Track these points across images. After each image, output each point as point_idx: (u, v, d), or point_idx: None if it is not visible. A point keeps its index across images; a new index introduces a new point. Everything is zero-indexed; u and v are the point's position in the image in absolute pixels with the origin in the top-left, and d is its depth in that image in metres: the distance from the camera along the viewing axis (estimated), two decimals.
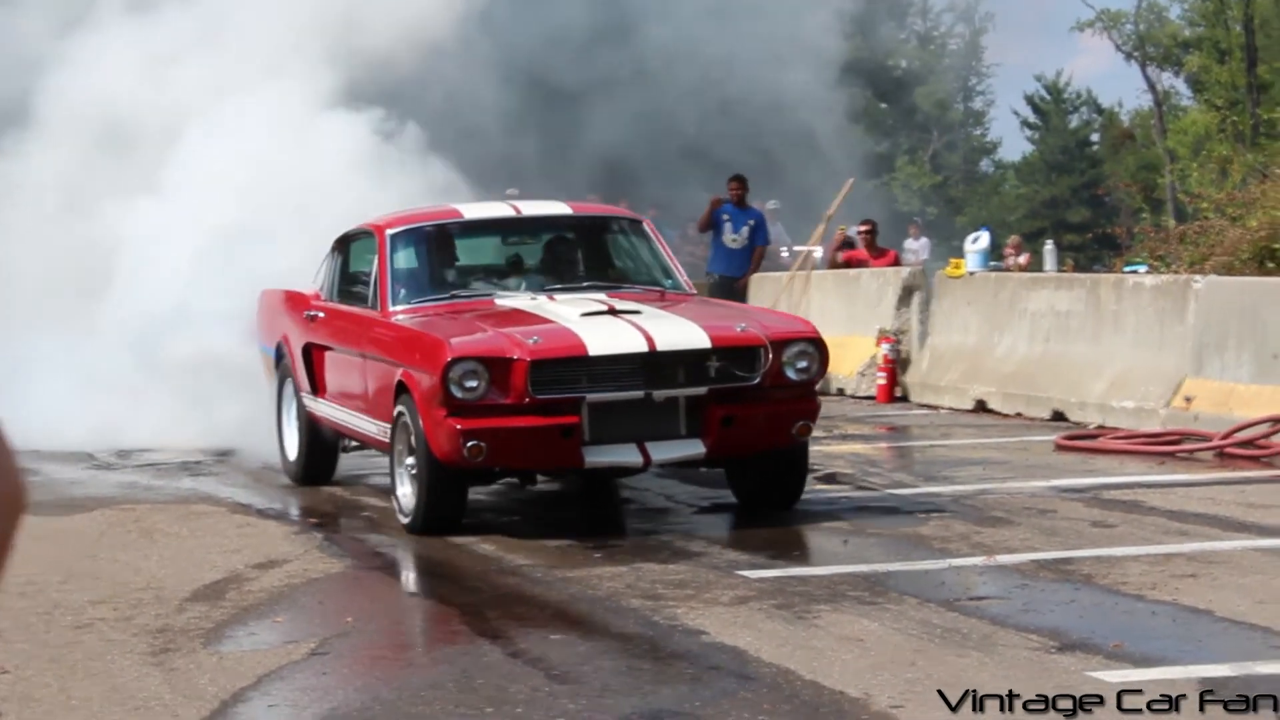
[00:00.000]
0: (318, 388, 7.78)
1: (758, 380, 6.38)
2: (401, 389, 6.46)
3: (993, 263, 16.79)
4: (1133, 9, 32.49)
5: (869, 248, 15.36)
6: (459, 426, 6.08)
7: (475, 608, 5.57)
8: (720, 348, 6.37)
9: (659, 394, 6.30)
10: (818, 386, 6.99)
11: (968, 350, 11.57)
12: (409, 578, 6.62)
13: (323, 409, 7.74)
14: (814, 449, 7.45)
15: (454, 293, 7.30)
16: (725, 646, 4.72)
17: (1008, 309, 11.24)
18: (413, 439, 6.36)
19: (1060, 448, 8.82)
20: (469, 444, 6.05)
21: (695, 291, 7.83)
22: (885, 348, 11.96)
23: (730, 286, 13.14)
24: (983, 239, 14.46)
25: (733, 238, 13.54)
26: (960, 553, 6.05)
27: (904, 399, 11.91)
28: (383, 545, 6.80)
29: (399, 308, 7.03)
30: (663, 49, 21.66)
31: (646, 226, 8.12)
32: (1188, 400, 8.92)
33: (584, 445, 6.25)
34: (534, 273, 7.66)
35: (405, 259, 7.37)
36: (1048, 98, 44.06)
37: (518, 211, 8.07)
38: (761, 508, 6.90)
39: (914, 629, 4.84)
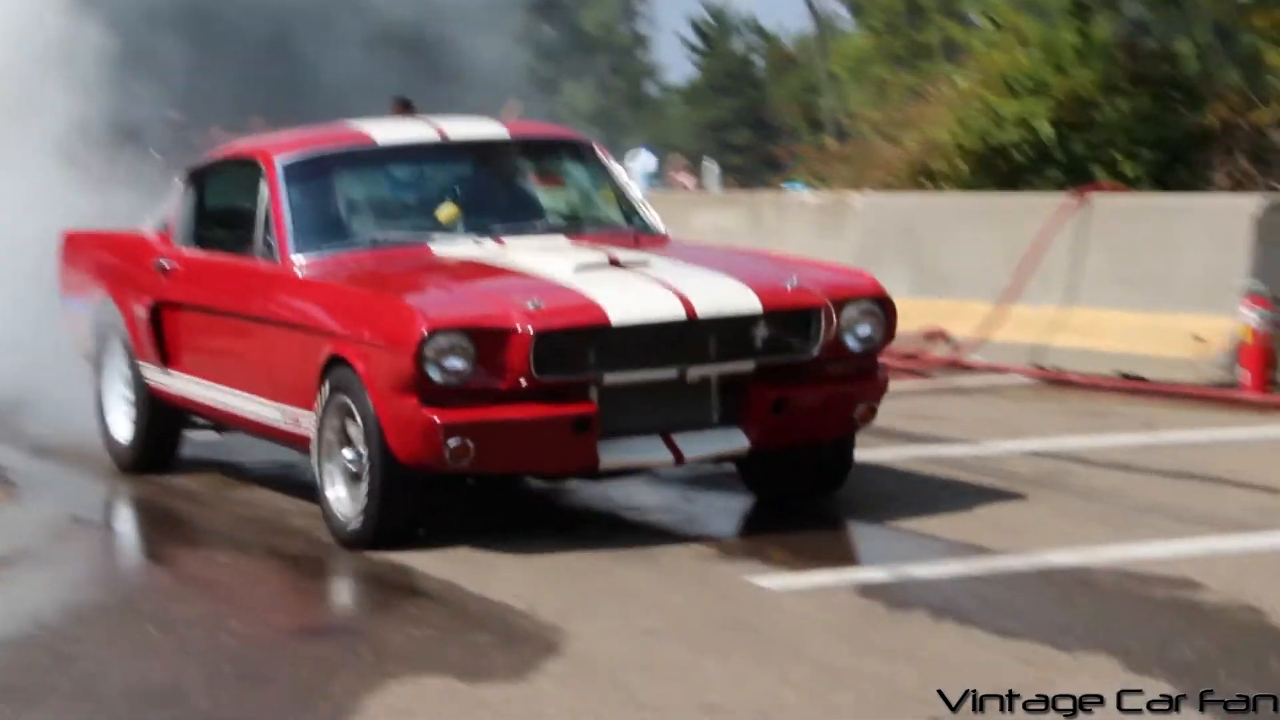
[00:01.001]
0: (169, 358, 6.15)
1: (816, 352, 5.06)
2: (334, 366, 5.01)
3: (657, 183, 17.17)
4: None
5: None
6: (437, 420, 4.62)
7: (147, 534, 5.65)
8: (772, 311, 4.97)
9: (694, 372, 4.95)
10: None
11: None
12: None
13: (178, 385, 6.13)
14: None
15: (374, 238, 5.70)
16: (394, 565, 4.86)
17: (671, 228, 11.40)
18: (357, 432, 4.93)
19: None
20: (452, 442, 4.61)
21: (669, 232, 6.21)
22: None
23: None
24: (643, 158, 14.74)
25: None
26: None
27: None
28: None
29: (305, 258, 5.44)
30: None
31: (598, 150, 6.50)
32: None
33: (599, 440, 4.88)
34: (470, 211, 5.91)
35: (305, 195, 5.71)
36: (712, 22, 45.10)
37: (442, 134, 6.16)
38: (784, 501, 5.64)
39: (578, 543, 5.11)
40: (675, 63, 51.39)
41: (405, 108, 13.83)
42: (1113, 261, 8.44)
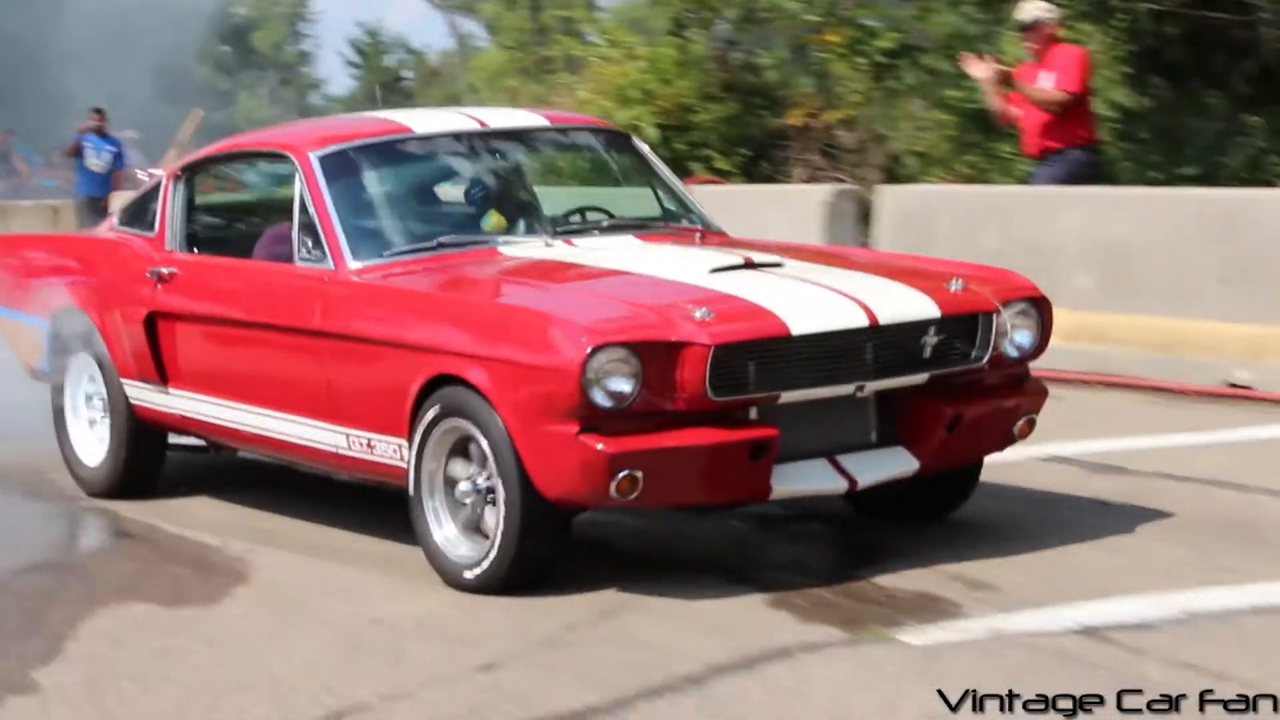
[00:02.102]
0: (168, 374, 5.30)
1: (986, 361, 4.44)
2: (440, 388, 4.23)
3: None
4: None
5: None
6: (605, 450, 3.86)
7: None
8: (948, 317, 4.33)
9: (871, 387, 4.28)
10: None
11: None
12: None
13: (181, 404, 5.28)
14: None
15: (440, 240, 4.88)
16: (103, 509, 5.49)
17: None
18: (475, 464, 4.20)
19: None
20: (620, 475, 3.86)
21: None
22: None
23: (95, 205, 15.29)
24: None
25: (95, 162, 16.37)
26: None
27: None
28: None
29: (364, 263, 4.66)
30: None
31: (637, 143, 5.86)
32: None
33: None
34: (521, 211, 5.26)
35: (349, 192, 4.94)
36: (368, 40, 49.14)
37: (483, 124, 5.46)
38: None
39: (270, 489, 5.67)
40: (336, 76, 60.69)
41: (99, 115, 15.96)
42: None
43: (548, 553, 4.21)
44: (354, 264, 4.63)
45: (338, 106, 46.82)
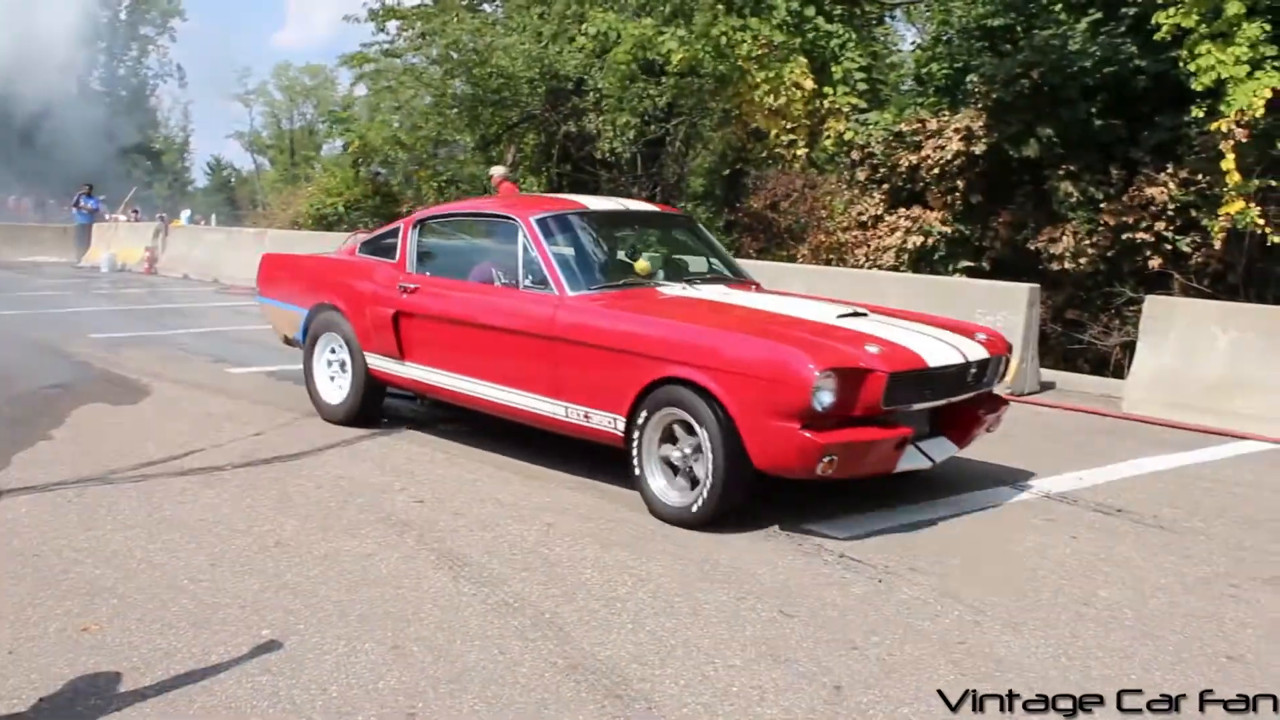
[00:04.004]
0: (404, 352, 7.45)
1: (996, 386, 6.64)
2: (663, 386, 5.89)
3: None
4: None
5: None
6: (820, 442, 5.47)
7: None
8: (991, 357, 6.41)
9: (950, 400, 6.20)
10: None
11: None
12: None
13: (411, 372, 7.46)
14: None
15: (624, 280, 7.06)
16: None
17: None
18: (687, 437, 5.85)
19: None
20: (826, 459, 5.50)
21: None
22: None
23: (85, 231, 26.34)
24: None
25: (87, 208, 26.66)
26: None
27: None
28: None
29: (577, 293, 6.58)
30: None
31: (696, 222, 8.62)
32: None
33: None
34: (657, 263, 7.62)
35: (559, 244, 6.94)
36: (214, 163, 68.55)
37: (625, 207, 8.22)
38: None
39: None
40: (200, 179, 74.33)
41: (89, 187, 20.26)
42: None
43: (740, 499, 5.80)
44: (571, 292, 6.57)
45: (199, 194, 68.62)
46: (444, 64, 21.08)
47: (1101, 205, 13.84)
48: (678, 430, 5.92)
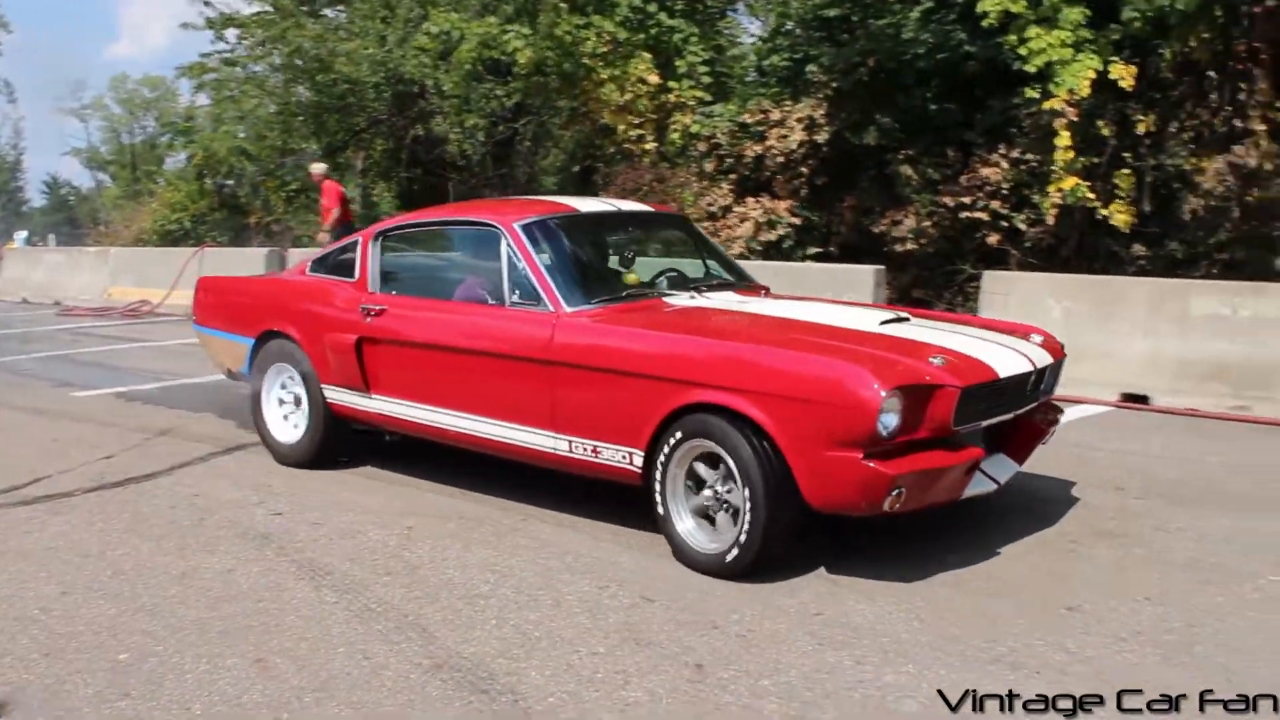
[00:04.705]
0: (370, 383, 6.56)
1: (1052, 394, 5.91)
2: (689, 414, 5.05)
3: None
4: None
5: None
6: (887, 472, 4.61)
7: None
8: (1053, 363, 5.70)
9: (1016, 414, 5.42)
10: None
11: None
12: None
13: (380, 406, 6.55)
14: None
15: (626, 292, 6.11)
16: None
17: None
18: (711, 473, 5.05)
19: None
20: (895, 492, 4.64)
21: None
22: None
23: None
24: None
25: None
26: None
27: None
28: None
29: (576, 308, 5.69)
30: None
31: (693, 224, 7.61)
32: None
33: None
34: (661, 270, 6.59)
35: (550, 254, 6.00)
36: (50, 182, 70.12)
37: (616, 208, 7.15)
38: None
39: None
40: (37, 199, 75.26)
41: None
42: None
43: (786, 544, 4.99)
44: (569, 308, 5.67)
45: (36, 213, 70.17)
46: (286, 72, 20.71)
47: (940, 187, 14.28)
48: (703, 465, 5.13)
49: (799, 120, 15.43)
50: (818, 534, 5.35)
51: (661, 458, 5.20)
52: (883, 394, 4.59)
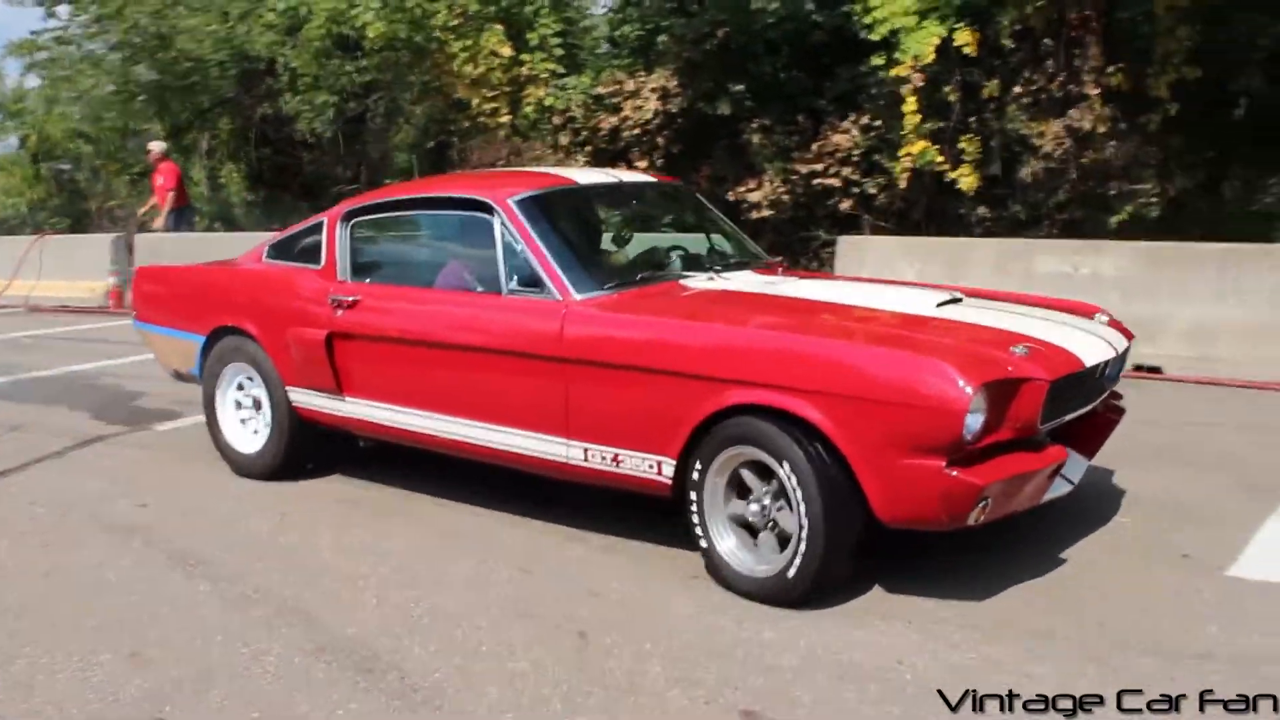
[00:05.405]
0: (344, 384, 5.79)
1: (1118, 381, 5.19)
2: (731, 417, 4.39)
3: None
4: None
5: None
6: (976, 481, 4.00)
7: None
8: (1127, 347, 5.11)
9: (1091, 405, 4.87)
10: None
11: None
12: None
13: (357, 410, 5.77)
14: None
15: (641, 275, 5.35)
16: None
17: None
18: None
19: None
20: (983, 503, 4.05)
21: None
22: None
23: None
24: None
25: None
26: None
27: None
28: None
29: (587, 295, 4.96)
30: None
31: (698, 195, 6.85)
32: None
33: None
34: (664, 249, 5.88)
35: (551, 234, 5.21)
36: None
37: (618, 179, 6.36)
38: None
39: None
40: None
41: None
42: None
43: (846, 572, 4.38)
44: (579, 295, 4.93)
45: None
46: (124, 50, 20.00)
47: (793, 155, 14.51)
48: (748, 473, 4.49)
49: (653, 90, 15.51)
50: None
51: (698, 467, 4.54)
52: (970, 392, 3.95)
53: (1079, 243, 9.72)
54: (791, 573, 4.28)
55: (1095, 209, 12.58)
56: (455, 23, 15.95)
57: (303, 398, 6.04)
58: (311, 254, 6.13)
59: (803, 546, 4.24)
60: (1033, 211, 13.22)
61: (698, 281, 5.37)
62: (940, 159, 12.36)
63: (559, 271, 5.02)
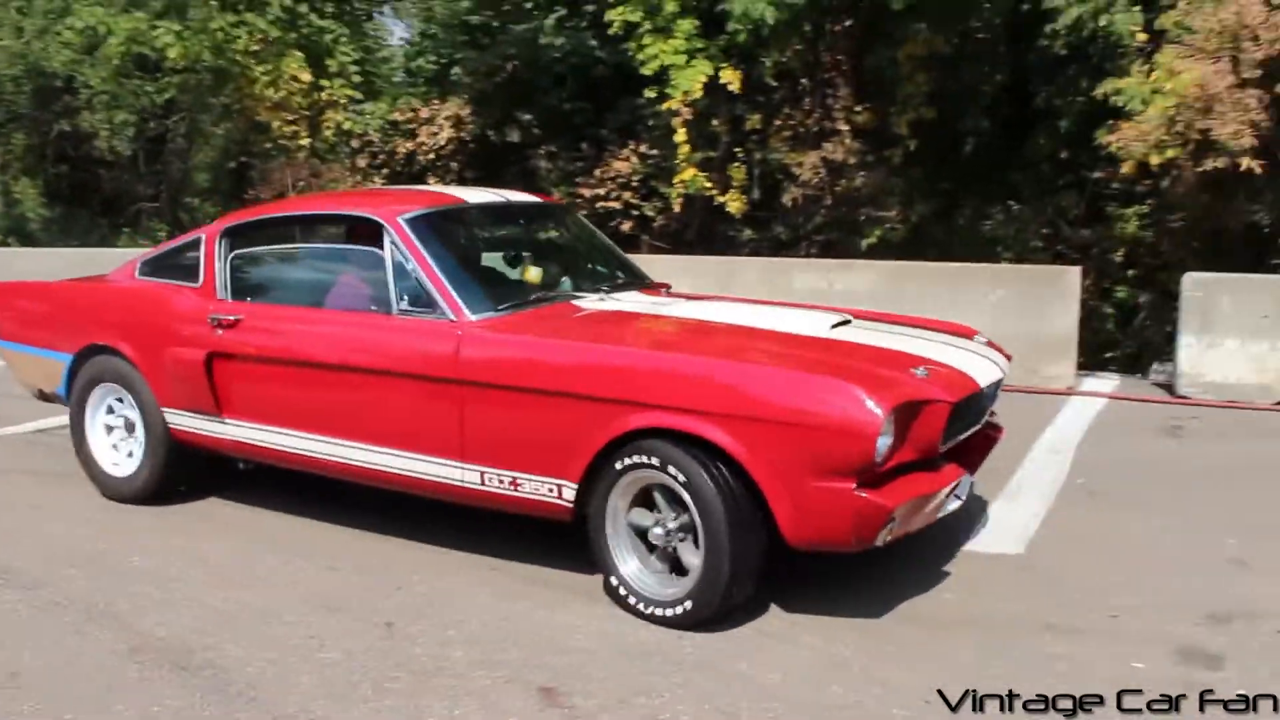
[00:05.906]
0: (223, 406, 5.27)
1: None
2: (636, 440, 4.07)
3: None
4: None
5: None
6: (883, 502, 3.80)
7: None
8: (1007, 365, 4.95)
9: (978, 426, 4.69)
10: None
11: None
12: None
13: (237, 432, 5.26)
14: None
15: (535, 295, 4.98)
16: None
17: None
18: (666, 508, 4.11)
19: None
20: (891, 524, 3.85)
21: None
22: None
23: None
24: None
25: None
26: None
27: None
28: None
29: (481, 316, 4.59)
30: None
31: (580, 216, 6.44)
32: None
33: None
34: (554, 270, 5.45)
35: (444, 253, 4.81)
36: None
37: (506, 199, 5.80)
38: None
39: None
40: None
41: None
42: None
43: (751, 588, 4.12)
44: (473, 316, 4.58)
45: None
46: None
47: (578, 180, 14.71)
48: (656, 495, 4.21)
49: (447, 119, 15.50)
50: None
51: (599, 491, 4.25)
52: (880, 414, 3.77)
53: (834, 262, 10.19)
54: (690, 601, 4.06)
55: (848, 232, 13.22)
56: (256, 48, 15.54)
57: (179, 420, 5.51)
58: (188, 271, 5.58)
59: (704, 571, 4.01)
60: (793, 233, 13.79)
61: (589, 302, 5.06)
62: (710, 185, 12.75)
63: (452, 292, 4.65)
